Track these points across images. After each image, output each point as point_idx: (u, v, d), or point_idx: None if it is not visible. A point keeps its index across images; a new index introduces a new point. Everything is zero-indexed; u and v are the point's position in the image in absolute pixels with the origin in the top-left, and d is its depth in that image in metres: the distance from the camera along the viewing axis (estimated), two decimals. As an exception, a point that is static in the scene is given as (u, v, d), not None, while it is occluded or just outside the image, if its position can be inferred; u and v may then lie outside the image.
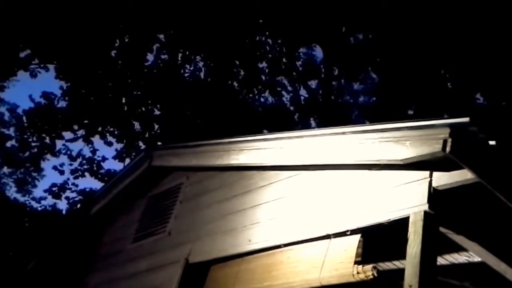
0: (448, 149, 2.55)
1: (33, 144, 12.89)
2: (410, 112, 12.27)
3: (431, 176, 2.75)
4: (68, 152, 13.42)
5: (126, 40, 12.25)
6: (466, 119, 2.53)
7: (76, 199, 13.30)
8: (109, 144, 12.91)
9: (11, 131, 13.65)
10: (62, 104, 12.58)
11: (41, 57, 11.82)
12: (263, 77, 13.68)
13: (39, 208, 13.84)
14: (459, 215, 2.85)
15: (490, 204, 2.71)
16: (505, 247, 2.97)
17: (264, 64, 13.62)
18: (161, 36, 12.79)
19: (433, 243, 2.67)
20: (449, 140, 2.56)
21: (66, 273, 5.62)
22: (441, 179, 2.72)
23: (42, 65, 12.12)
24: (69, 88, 12.23)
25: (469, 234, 2.87)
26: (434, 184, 2.73)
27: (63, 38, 10.98)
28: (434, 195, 2.70)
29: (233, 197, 4.00)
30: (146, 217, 4.91)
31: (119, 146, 12.96)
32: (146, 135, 12.80)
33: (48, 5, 10.60)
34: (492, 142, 2.52)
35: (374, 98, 13.65)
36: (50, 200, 13.77)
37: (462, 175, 2.63)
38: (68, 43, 11.08)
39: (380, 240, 3.07)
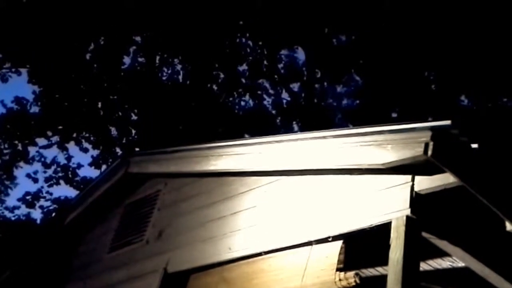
0: (429, 152, 2.51)
1: (5, 151, 12.54)
2: (394, 114, 12.36)
3: (413, 180, 2.72)
4: (42, 159, 13.11)
5: (101, 42, 12.03)
6: (448, 122, 2.50)
7: (51, 207, 13.00)
8: (85, 150, 12.68)
9: (-18, 138, 13.22)
10: (35, 109, 12.30)
11: (13, 61, 11.52)
12: (244, 80, 13.61)
13: (12, 218, 13.45)
14: (442, 220, 2.82)
15: (473, 208, 2.69)
16: (488, 251, 2.96)
17: (244, 67, 13.56)
18: (138, 38, 12.61)
19: (416, 248, 2.64)
20: (431, 143, 2.52)
21: (41, 284, 5.46)
22: (423, 183, 2.69)
23: (13, 69, 11.83)
24: (42, 93, 11.94)
25: (452, 239, 2.85)
26: (416, 188, 2.70)
27: (36, 40, 10.71)
28: (416, 199, 2.67)
29: (212, 204, 3.92)
30: (123, 226, 4.79)
31: (95, 152, 12.74)
32: (123, 141, 12.60)
33: (19, 6, 10.33)
34: (474, 145, 2.50)
35: (358, 101, 13.70)
36: (23, 209, 13.42)
37: (444, 179, 2.61)
38: (41, 46, 10.82)
39: (363, 246, 3.02)
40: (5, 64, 11.65)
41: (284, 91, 14.20)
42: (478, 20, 10.57)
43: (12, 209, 13.58)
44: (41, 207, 13.21)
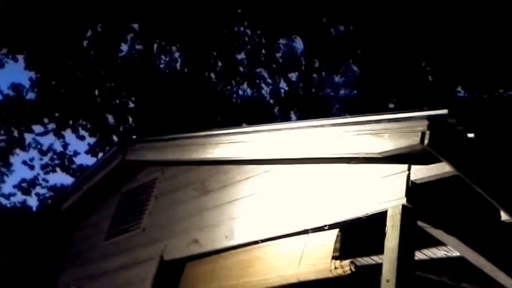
0: (426, 141, 2.52)
1: (1, 137, 12.48)
2: (391, 105, 12.36)
3: (409, 169, 2.72)
4: (38, 147, 13.03)
5: (99, 29, 11.92)
6: (445, 111, 2.50)
7: (47, 195, 12.96)
8: (81, 138, 12.60)
9: (-22, 124, 13.11)
10: (31, 96, 12.18)
11: (10, 47, 11.41)
12: (242, 69, 13.54)
13: (8, 205, 13.41)
14: (437, 209, 2.82)
15: (469, 198, 2.70)
16: (483, 241, 2.97)
17: (242, 56, 13.49)
18: (136, 26, 12.50)
19: (411, 237, 2.65)
20: (427, 132, 2.53)
21: (38, 271, 5.47)
22: (419, 172, 2.69)
23: (10, 55, 11.71)
24: (39, 80, 11.84)
25: (448, 228, 2.86)
26: (412, 178, 2.70)
27: (33, 27, 10.60)
28: (412, 188, 2.68)
29: (209, 192, 3.92)
30: (119, 213, 4.79)
31: (91, 140, 12.66)
32: (120, 129, 12.54)
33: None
34: (470, 135, 2.49)
35: (355, 91, 13.68)
36: (19, 197, 13.36)
37: (440, 168, 2.61)
38: (38, 32, 10.71)
39: (358, 235, 3.03)
40: (1, 50, 11.54)
41: (282, 80, 14.16)
42: (475, 11, 10.53)
43: (8, 196, 13.56)
44: (37, 194, 13.19)
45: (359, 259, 3.54)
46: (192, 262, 3.78)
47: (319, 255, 2.92)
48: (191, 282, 3.71)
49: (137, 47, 12.77)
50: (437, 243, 3.11)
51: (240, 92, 13.80)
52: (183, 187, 4.24)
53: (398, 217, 2.62)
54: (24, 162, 13.25)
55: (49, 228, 5.56)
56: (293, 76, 14.20)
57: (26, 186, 13.02)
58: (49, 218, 5.62)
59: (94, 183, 5.18)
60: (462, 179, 2.54)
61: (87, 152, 12.73)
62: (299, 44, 14.18)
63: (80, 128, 12.47)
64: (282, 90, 14.16)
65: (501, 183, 2.68)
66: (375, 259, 3.53)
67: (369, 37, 12.00)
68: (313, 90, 13.88)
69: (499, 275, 3.10)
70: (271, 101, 14.15)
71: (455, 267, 3.47)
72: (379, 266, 2.65)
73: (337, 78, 14.19)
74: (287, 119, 13.44)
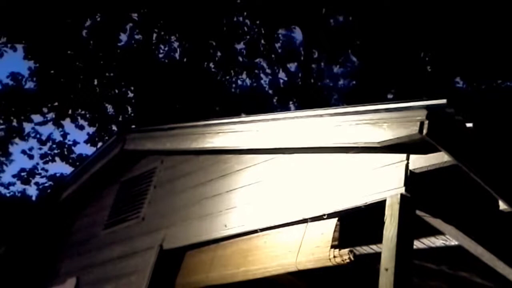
0: (425, 131, 2.51)
1: (0, 127, 12.48)
2: (390, 95, 12.36)
3: (408, 158, 2.72)
4: (38, 136, 13.07)
5: (98, 19, 11.85)
6: (443, 101, 2.49)
7: (46, 184, 13.01)
8: (81, 127, 12.64)
9: (-23, 113, 13.07)
10: (30, 85, 12.18)
11: (9, 36, 11.36)
12: (241, 59, 13.50)
13: (8, 194, 13.45)
14: (436, 198, 2.83)
15: (467, 187, 2.70)
16: (482, 230, 2.99)
17: (241, 46, 13.45)
18: (135, 15, 12.44)
19: (410, 226, 2.66)
20: (426, 122, 2.52)
21: (37, 260, 5.49)
22: (418, 161, 2.70)
23: (9, 45, 11.67)
24: (38, 69, 11.80)
25: (446, 217, 2.87)
26: (411, 167, 2.70)
27: (32, 16, 10.54)
28: (411, 178, 2.68)
29: (208, 181, 3.93)
30: (118, 203, 4.80)
31: (91, 130, 12.70)
32: (120, 119, 12.55)
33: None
34: (469, 124, 2.49)
35: (354, 82, 13.67)
36: (19, 186, 13.42)
37: (439, 158, 2.61)
38: (37, 22, 10.65)
39: (357, 224, 3.04)
40: (0, 39, 11.48)
41: (281, 70, 14.14)
42: (474, 2, 10.46)
43: (7, 186, 13.59)
44: (37, 183, 13.23)
45: (358, 248, 3.55)
46: (191, 251, 3.79)
47: (318, 244, 2.93)
48: (190, 271, 3.73)
49: (136, 36, 12.74)
50: (435, 232, 3.12)
51: (239, 82, 13.81)
52: (182, 176, 4.25)
53: (396, 206, 2.63)
54: (24, 152, 13.30)
55: (48, 217, 5.57)
56: (292, 66, 14.20)
57: (26, 176, 13.05)
58: (48, 208, 5.63)
59: (93, 172, 5.19)
60: (460, 168, 2.54)
61: (86, 142, 12.77)
62: (298, 34, 14.18)
63: (79, 118, 12.51)
64: (281, 81, 14.17)
65: (499, 172, 2.69)
66: (374, 248, 3.54)
67: (368, 28, 11.94)
68: (312, 81, 13.87)
69: (498, 264, 3.12)
70: (270, 91, 14.15)
71: (453, 256, 3.48)
72: (377, 255, 2.66)
73: (336, 69, 14.20)
74: (286, 109, 13.44)
